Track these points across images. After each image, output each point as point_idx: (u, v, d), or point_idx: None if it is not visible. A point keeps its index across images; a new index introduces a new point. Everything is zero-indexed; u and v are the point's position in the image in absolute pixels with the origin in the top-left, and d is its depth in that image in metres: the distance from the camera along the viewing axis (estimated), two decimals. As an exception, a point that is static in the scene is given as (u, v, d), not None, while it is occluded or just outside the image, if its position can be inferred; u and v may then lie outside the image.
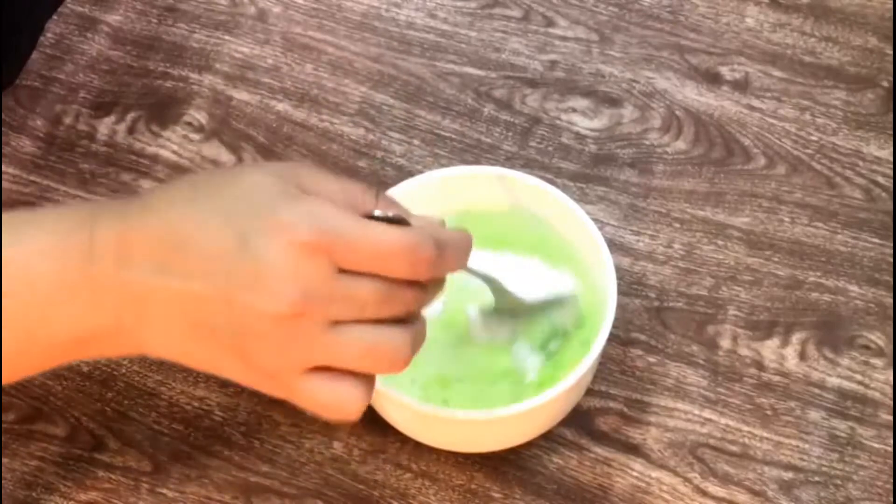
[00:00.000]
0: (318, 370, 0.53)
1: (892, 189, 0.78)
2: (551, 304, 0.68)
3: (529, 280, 0.69)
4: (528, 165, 0.79)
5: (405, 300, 0.53)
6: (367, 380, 0.54)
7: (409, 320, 0.54)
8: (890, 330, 0.73)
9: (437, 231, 0.55)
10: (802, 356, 0.72)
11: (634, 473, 0.69)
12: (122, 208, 0.54)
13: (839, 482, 0.68)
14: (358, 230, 0.52)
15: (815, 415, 0.70)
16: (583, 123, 0.81)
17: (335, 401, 0.53)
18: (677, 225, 0.77)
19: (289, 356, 0.52)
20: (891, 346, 0.73)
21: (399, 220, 0.54)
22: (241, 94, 0.83)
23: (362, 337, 0.52)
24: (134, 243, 0.52)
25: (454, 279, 0.59)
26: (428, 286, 0.55)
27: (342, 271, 0.52)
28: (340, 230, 0.51)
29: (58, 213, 0.56)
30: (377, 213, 0.53)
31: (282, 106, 0.82)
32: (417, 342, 0.55)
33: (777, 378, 0.72)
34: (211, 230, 0.52)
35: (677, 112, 0.82)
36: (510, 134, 0.81)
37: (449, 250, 0.54)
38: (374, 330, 0.53)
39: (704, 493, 0.68)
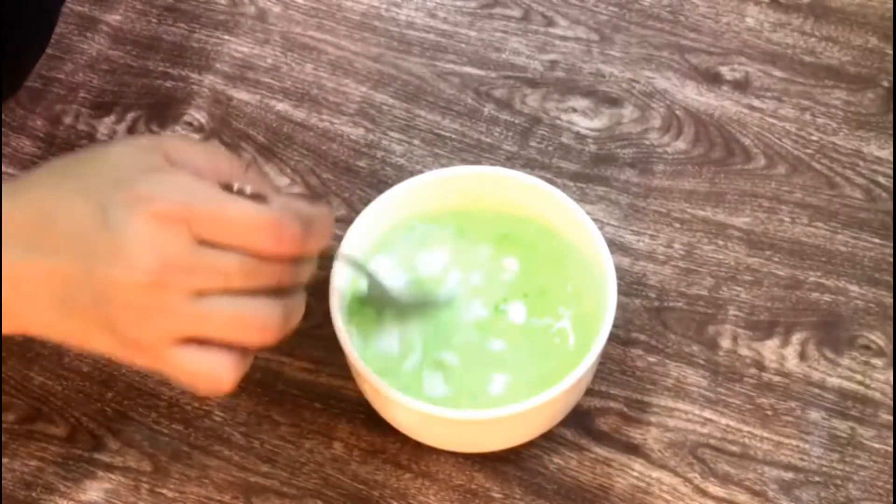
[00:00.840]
0: (189, 342, 0.53)
1: (892, 189, 0.78)
2: (423, 305, 0.68)
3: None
4: (529, 165, 0.79)
5: (273, 273, 0.54)
6: (240, 352, 0.54)
7: (285, 293, 0.55)
8: (890, 330, 0.73)
9: (299, 207, 0.55)
10: (803, 356, 0.72)
11: (634, 473, 0.69)
12: (2, 188, 0.55)
13: (839, 482, 0.68)
14: (217, 202, 0.53)
15: (815, 415, 0.70)
16: (583, 123, 0.81)
17: (205, 372, 0.54)
18: (677, 225, 0.77)
19: (155, 326, 0.53)
20: (891, 346, 0.72)
21: (260, 197, 0.54)
22: (240, 94, 0.83)
23: (228, 306, 0.53)
24: (7, 222, 0.53)
25: None
26: (299, 262, 0.55)
27: (206, 243, 0.52)
28: (199, 201, 0.52)
29: None
30: (237, 187, 0.54)
31: (282, 106, 0.82)
32: (291, 315, 0.55)
33: (777, 378, 0.72)
34: (73, 206, 0.53)
35: (677, 112, 0.82)
36: (510, 134, 0.81)
37: (314, 225, 0.55)
38: (240, 301, 0.53)
39: (705, 494, 0.68)
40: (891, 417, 0.70)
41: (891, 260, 0.76)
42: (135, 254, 0.51)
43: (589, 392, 0.70)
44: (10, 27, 0.72)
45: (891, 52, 0.84)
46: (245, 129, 0.81)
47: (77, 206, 0.53)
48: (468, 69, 0.84)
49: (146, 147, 0.55)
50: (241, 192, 0.54)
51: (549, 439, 0.69)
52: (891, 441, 0.70)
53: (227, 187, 0.54)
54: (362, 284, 0.67)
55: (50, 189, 0.55)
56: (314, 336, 0.70)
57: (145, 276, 0.51)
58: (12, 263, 0.53)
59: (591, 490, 0.68)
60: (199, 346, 0.53)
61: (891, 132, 0.81)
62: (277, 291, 0.54)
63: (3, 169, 0.80)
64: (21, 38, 0.76)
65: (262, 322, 0.54)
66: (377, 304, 0.67)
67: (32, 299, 0.54)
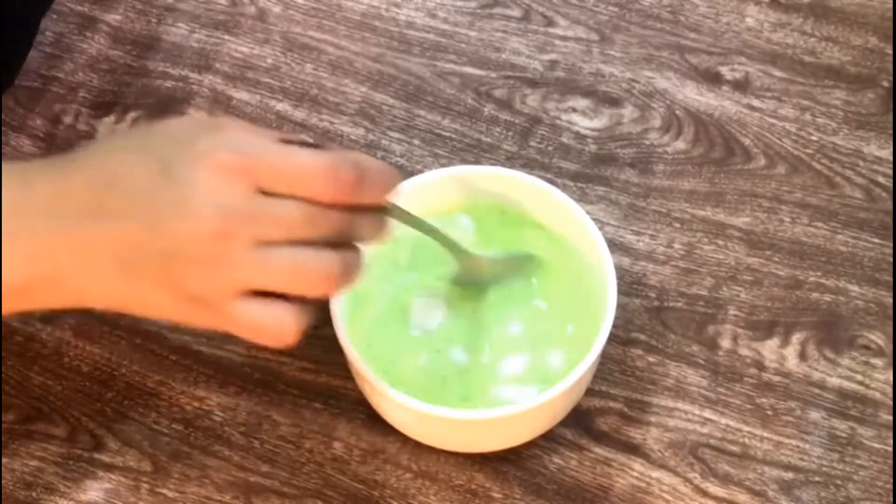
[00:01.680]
0: (252, 295, 0.54)
1: (892, 189, 0.78)
2: (511, 262, 0.69)
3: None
4: (528, 165, 0.79)
5: (333, 222, 0.54)
6: (302, 304, 0.55)
7: (343, 247, 0.55)
8: (890, 330, 0.73)
9: (358, 157, 0.55)
10: (803, 356, 0.72)
11: (634, 473, 0.69)
12: (52, 164, 0.56)
13: (839, 482, 0.68)
14: (276, 152, 0.53)
15: (815, 415, 0.70)
16: (583, 123, 0.81)
17: (269, 324, 0.54)
18: (677, 225, 0.77)
19: (218, 279, 0.53)
20: (891, 346, 0.72)
21: (317, 146, 0.55)
22: (240, 94, 0.83)
23: (290, 256, 0.53)
24: (63, 194, 0.54)
25: None
26: (360, 213, 0.56)
27: (266, 194, 0.53)
28: (259, 152, 0.53)
29: None
30: (294, 138, 0.55)
31: (281, 106, 0.82)
32: (349, 268, 0.56)
33: (777, 378, 0.72)
34: (135, 166, 0.53)
35: (677, 112, 0.82)
36: (510, 134, 0.81)
37: (371, 174, 0.55)
38: (301, 251, 0.54)
39: (705, 494, 0.68)
40: (891, 417, 0.70)
41: (891, 260, 0.76)
42: (199, 206, 0.52)
43: (589, 392, 0.70)
44: None
45: (891, 52, 0.84)
46: (245, 129, 0.81)
47: (139, 166, 0.53)
48: (468, 69, 0.84)
49: (202, 119, 0.57)
50: (299, 144, 0.55)
51: (549, 439, 0.69)
52: (891, 441, 0.70)
53: (285, 141, 0.55)
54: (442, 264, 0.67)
55: (108, 155, 0.55)
56: (314, 336, 0.70)
57: (211, 228, 0.52)
58: (75, 235, 0.54)
59: (590, 490, 0.68)
60: (261, 298, 0.54)
61: (891, 132, 0.81)
62: (337, 245, 0.55)
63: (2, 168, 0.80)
64: (4, 37, 0.76)
65: (324, 272, 0.54)
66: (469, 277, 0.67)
67: (94, 269, 0.54)
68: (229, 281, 0.54)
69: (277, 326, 0.55)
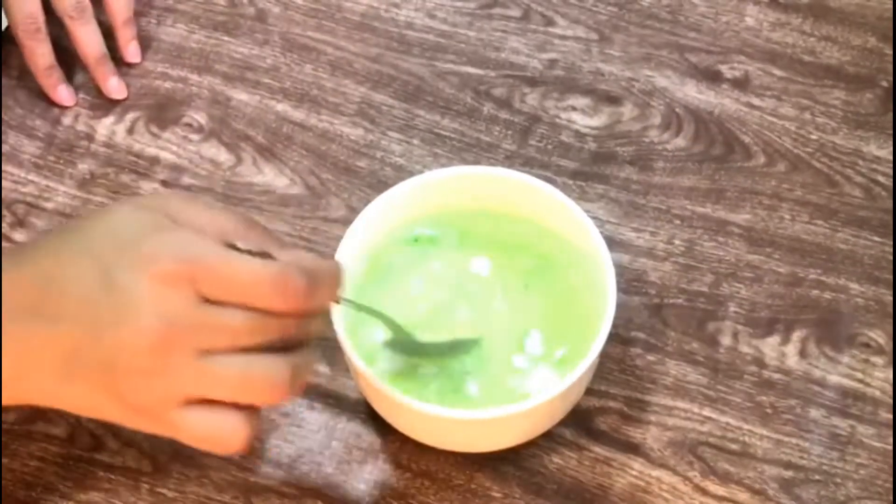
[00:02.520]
0: (196, 403, 0.52)
1: (891, 188, 0.78)
2: (450, 346, 0.67)
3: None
4: (528, 164, 0.79)
5: (280, 329, 0.53)
6: (249, 411, 0.53)
7: (292, 350, 0.54)
8: (890, 328, 0.73)
9: (305, 261, 0.54)
10: (803, 354, 0.72)
11: (634, 472, 0.69)
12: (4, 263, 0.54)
13: (839, 481, 0.68)
14: (220, 260, 0.52)
15: (815, 413, 0.70)
16: (582, 121, 0.81)
17: (213, 433, 0.53)
18: (677, 222, 0.77)
19: (161, 389, 0.52)
20: (891, 345, 0.72)
21: (264, 254, 0.53)
22: (240, 95, 0.83)
23: (234, 365, 0.52)
24: (8, 293, 0.53)
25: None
26: (307, 317, 0.54)
27: (211, 301, 0.51)
28: (203, 259, 0.51)
29: None
30: (241, 245, 0.53)
31: (281, 106, 0.82)
32: (299, 373, 0.54)
33: (777, 376, 0.72)
34: (76, 270, 0.52)
35: (677, 110, 0.82)
36: (509, 133, 0.81)
37: (320, 279, 0.54)
38: (247, 359, 0.52)
39: (704, 492, 0.68)
40: (891, 416, 0.70)
41: (891, 258, 0.75)
42: (140, 315, 0.51)
43: (588, 391, 0.70)
44: None
45: (890, 52, 0.84)
46: (244, 129, 0.81)
47: (80, 270, 0.52)
48: (467, 68, 0.84)
49: (148, 207, 0.54)
50: (246, 251, 0.53)
51: (548, 439, 0.69)
52: (891, 439, 0.69)
53: (232, 246, 0.53)
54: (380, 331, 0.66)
55: (51, 255, 0.54)
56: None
57: (151, 337, 0.51)
58: (15, 334, 0.53)
59: (590, 489, 0.68)
60: (207, 406, 0.52)
61: (890, 132, 0.81)
62: (286, 348, 0.54)
63: (3, 168, 0.80)
64: None
65: (271, 380, 0.53)
66: (402, 349, 0.67)
67: (37, 369, 0.53)
68: (171, 392, 0.52)
69: (223, 435, 0.53)
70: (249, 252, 0.53)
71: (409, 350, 0.66)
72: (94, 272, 0.52)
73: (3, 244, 0.76)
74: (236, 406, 0.53)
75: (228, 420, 0.53)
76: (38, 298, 0.53)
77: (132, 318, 0.51)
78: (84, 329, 0.52)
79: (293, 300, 0.52)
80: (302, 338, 0.55)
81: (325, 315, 0.57)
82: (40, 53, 0.81)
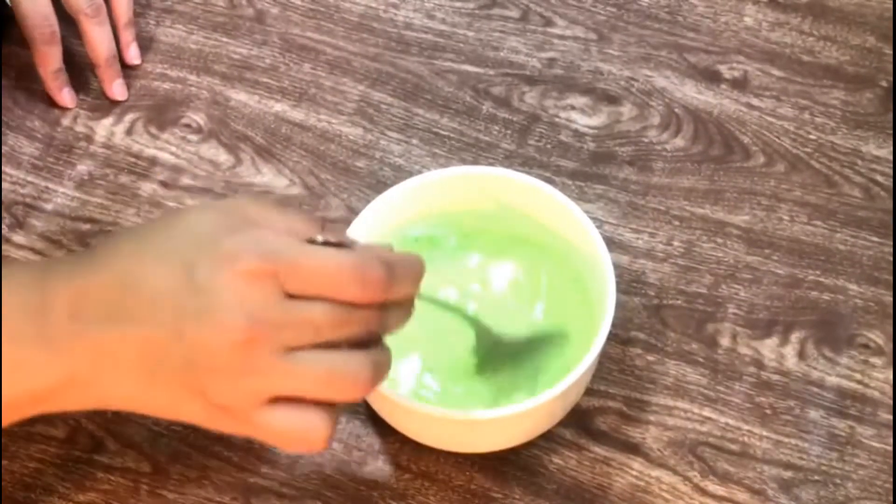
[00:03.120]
0: (279, 401, 0.52)
1: (891, 188, 0.78)
2: (536, 342, 0.67)
3: (511, 315, 0.69)
4: (527, 164, 0.79)
5: (362, 322, 0.53)
6: (330, 408, 0.53)
7: (371, 345, 0.54)
8: (889, 329, 0.73)
9: (383, 253, 0.54)
10: (802, 355, 0.72)
11: (634, 472, 0.69)
12: (72, 264, 0.55)
13: (838, 481, 0.68)
14: (301, 254, 0.52)
15: (814, 414, 0.70)
16: (581, 121, 0.81)
17: (298, 432, 0.53)
18: (676, 222, 0.77)
19: (246, 387, 0.52)
20: (890, 345, 0.72)
21: (343, 245, 0.53)
22: (238, 95, 0.83)
23: (319, 362, 0.52)
24: (85, 297, 0.53)
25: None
26: (387, 309, 0.54)
27: (292, 297, 0.51)
28: (283, 255, 0.51)
29: (9, 272, 0.55)
30: (319, 238, 0.53)
31: (280, 106, 0.82)
32: (380, 369, 0.54)
33: (776, 377, 0.72)
34: (156, 270, 0.52)
35: (676, 110, 0.82)
36: (508, 132, 0.81)
37: (399, 270, 0.54)
38: (331, 355, 0.52)
39: (704, 492, 0.68)
40: (890, 416, 0.70)
41: (890, 258, 0.76)
42: (224, 313, 0.51)
43: (588, 391, 0.70)
44: None
45: (889, 51, 0.84)
46: (243, 129, 0.81)
47: (161, 271, 0.52)
48: (466, 67, 0.84)
49: (224, 209, 0.54)
50: (324, 243, 0.53)
51: (548, 439, 0.69)
52: (890, 440, 0.70)
53: (310, 240, 0.53)
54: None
55: (128, 256, 0.53)
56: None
57: (238, 336, 0.51)
58: (95, 339, 0.53)
59: (590, 489, 0.68)
60: (289, 404, 0.52)
61: (889, 132, 0.81)
62: (365, 343, 0.54)
63: (2, 169, 0.80)
64: None
65: (353, 377, 0.53)
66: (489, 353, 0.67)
67: (117, 374, 0.53)
68: (255, 390, 0.52)
69: (307, 433, 0.53)
70: (328, 243, 0.53)
71: (490, 345, 0.66)
72: (176, 272, 0.52)
73: (3, 245, 0.76)
74: (317, 403, 0.53)
75: (312, 419, 0.53)
76: (118, 302, 0.52)
77: (216, 315, 0.51)
78: (167, 330, 0.52)
79: (373, 290, 0.52)
80: (383, 330, 0.55)
81: (406, 308, 0.56)
82: (52, 57, 0.80)
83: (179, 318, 0.51)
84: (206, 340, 0.51)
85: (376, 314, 0.54)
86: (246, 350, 0.51)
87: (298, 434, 0.53)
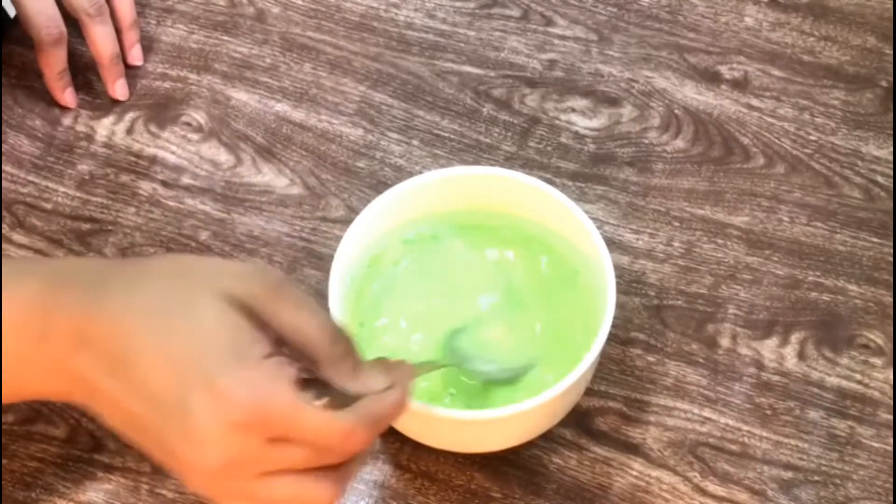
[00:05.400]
0: (248, 497, 0.55)
1: (891, 188, 0.78)
2: (517, 372, 0.68)
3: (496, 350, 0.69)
4: (528, 165, 0.79)
5: (335, 459, 0.55)
6: None
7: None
8: (889, 329, 0.73)
9: (377, 407, 0.55)
10: (802, 355, 0.72)
11: (634, 473, 0.69)
12: (81, 294, 0.55)
13: (838, 481, 0.68)
14: (292, 412, 0.53)
15: (814, 414, 0.70)
16: (582, 123, 0.81)
17: None
18: (676, 223, 0.77)
19: (215, 490, 0.55)
20: (890, 346, 0.72)
21: (336, 401, 0.54)
22: (239, 94, 0.83)
23: (288, 486, 0.54)
24: (87, 337, 0.54)
25: None
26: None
27: (277, 441, 0.53)
28: (275, 413, 0.52)
29: (17, 281, 0.56)
30: (315, 389, 0.54)
31: (280, 106, 0.82)
32: (346, 482, 0.56)
33: (776, 377, 0.72)
34: (160, 367, 0.53)
35: (676, 111, 0.82)
36: (509, 134, 0.81)
37: (385, 422, 0.56)
38: (300, 482, 0.54)
39: (704, 492, 0.68)
40: (890, 416, 0.70)
41: (890, 259, 0.76)
42: (205, 449, 0.52)
43: (588, 392, 0.70)
44: None
45: (889, 51, 0.84)
46: (244, 129, 0.81)
47: (161, 371, 0.53)
48: (467, 68, 0.84)
49: (238, 302, 0.54)
50: (320, 391, 0.54)
51: (548, 439, 0.69)
52: (890, 440, 0.70)
53: (306, 381, 0.54)
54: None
55: (137, 320, 0.54)
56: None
57: (213, 468, 0.53)
58: (87, 374, 0.54)
59: (590, 489, 0.68)
60: None
61: (889, 132, 0.81)
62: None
63: (3, 168, 0.80)
64: None
65: (320, 497, 0.55)
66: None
67: (104, 409, 0.55)
68: (226, 494, 0.55)
69: None
70: (323, 392, 0.54)
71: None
72: (170, 381, 0.53)
73: (3, 245, 0.76)
74: None
75: None
76: (115, 362, 0.53)
77: (199, 448, 0.52)
78: (151, 421, 0.53)
79: (357, 448, 0.55)
80: (353, 462, 0.56)
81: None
82: (58, 58, 0.81)
83: (163, 425, 0.53)
84: (184, 455, 0.53)
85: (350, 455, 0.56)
86: (220, 478, 0.53)
87: None
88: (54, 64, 0.80)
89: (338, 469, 0.55)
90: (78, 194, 0.79)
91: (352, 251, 0.68)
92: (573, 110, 0.82)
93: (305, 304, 0.55)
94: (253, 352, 0.53)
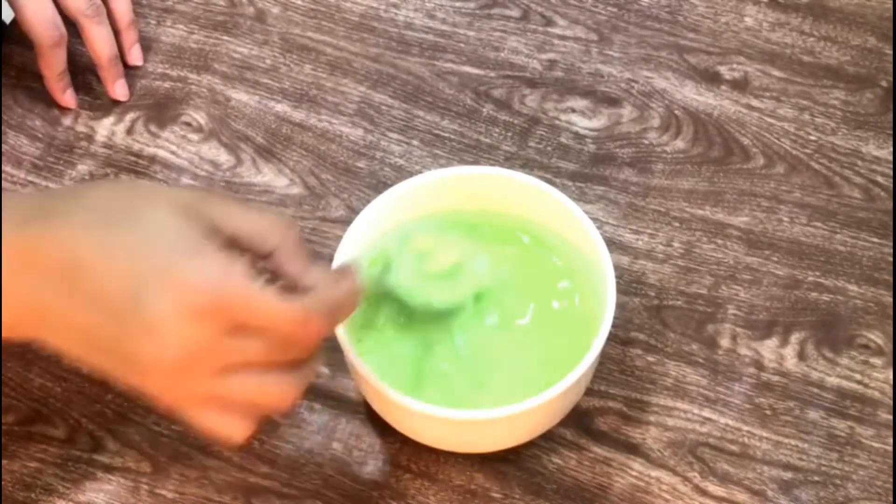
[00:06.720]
0: (210, 402, 0.55)
1: (891, 188, 0.78)
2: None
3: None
4: (528, 165, 0.79)
5: (295, 354, 0.55)
6: (255, 415, 0.56)
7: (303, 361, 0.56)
8: (889, 329, 0.73)
9: (328, 294, 0.56)
10: (801, 356, 0.72)
11: (634, 473, 0.69)
12: (30, 214, 0.55)
13: (838, 482, 0.68)
14: (248, 296, 0.53)
15: (814, 414, 0.71)
16: (582, 123, 0.81)
17: (220, 431, 0.56)
18: (676, 224, 0.77)
19: (175, 393, 0.55)
20: (890, 346, 0.73)
21: (290, 288, 0.55)
22: (239, 95, 0.83)
23: (248, 384, 0.54)
24: (37, 257, 0.53)
25: None
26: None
27: (234, 330, 0.53)
28: (232, 297, 0.53)
29: None
30: (269, 275, 0.54)
31: (280, 106, 0.82)
32: (305, 381, 0.57)
33: (776, 378, 0.72)
34: (110, 268, 0.53)
35: (676, 111, 0.82)
36: (509, 134, 0.81)
37: (341, 310, 0.57)
38: (259, 378, 0.55)
39: (704, 493, 0.68)
40: (890, 416, 0.70)
41: (890, 259, 0.76)
42: (164, 340, 0.52)
43: (588, 392, 0.70)
44: None
45: (889, 51, 0.84)
46: (244, 129, 0.82)
47: (113, 270, 0.53)
48: (467, 68, 0.84)
49: (190, 213, 0.54)
50: (273, 276, 0.55)
51: (548, 439, 0.69)
52: (890, 440, 0.70)
53: (262, 270, 0.54)
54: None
55: (86, 234, 0.54)
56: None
57: (172, 362, 0.53)
58: (43, 299, 0.54)
59: (590, 489, 0.69)
60: (217, 406, 0.55)
61: (889, 132, 0.81)
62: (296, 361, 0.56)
63: (2, 169, 0.80)
64: None
65: (279, 396, 0.56)
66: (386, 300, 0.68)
67: (55, 331, 0.55)
68: (186, 395, 0.55)
69: (228, 434, 0.56)
70: (277, 280, 0.55)
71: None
72: (126, 279, 0.52)
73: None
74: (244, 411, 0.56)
75: (234, 422, 0.56)
76: (67, 277, 0.53)
77: (157, 341, 0.52)
78: (108, 326, 0.53)
79: (313, 337, 0.55)
80: (311, 360, 0.57)
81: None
82: (58, 60, 0.81)
83: (121, 326, 0.53)
84: (142, 356, 0.53)
85: (310, 347, 0.56)
86: (180, 374, 0.53)
87: (221, 433, 0.56)
88: (54, 65, 0.81)
89: (297, 367, 0.55)
90: (78, 194, 0.79)
91: (352, 251, 0.68)
92: (573, 110, 0.82)
93: (252, 205, 0.55)
94: (205, 245, 0.53)
